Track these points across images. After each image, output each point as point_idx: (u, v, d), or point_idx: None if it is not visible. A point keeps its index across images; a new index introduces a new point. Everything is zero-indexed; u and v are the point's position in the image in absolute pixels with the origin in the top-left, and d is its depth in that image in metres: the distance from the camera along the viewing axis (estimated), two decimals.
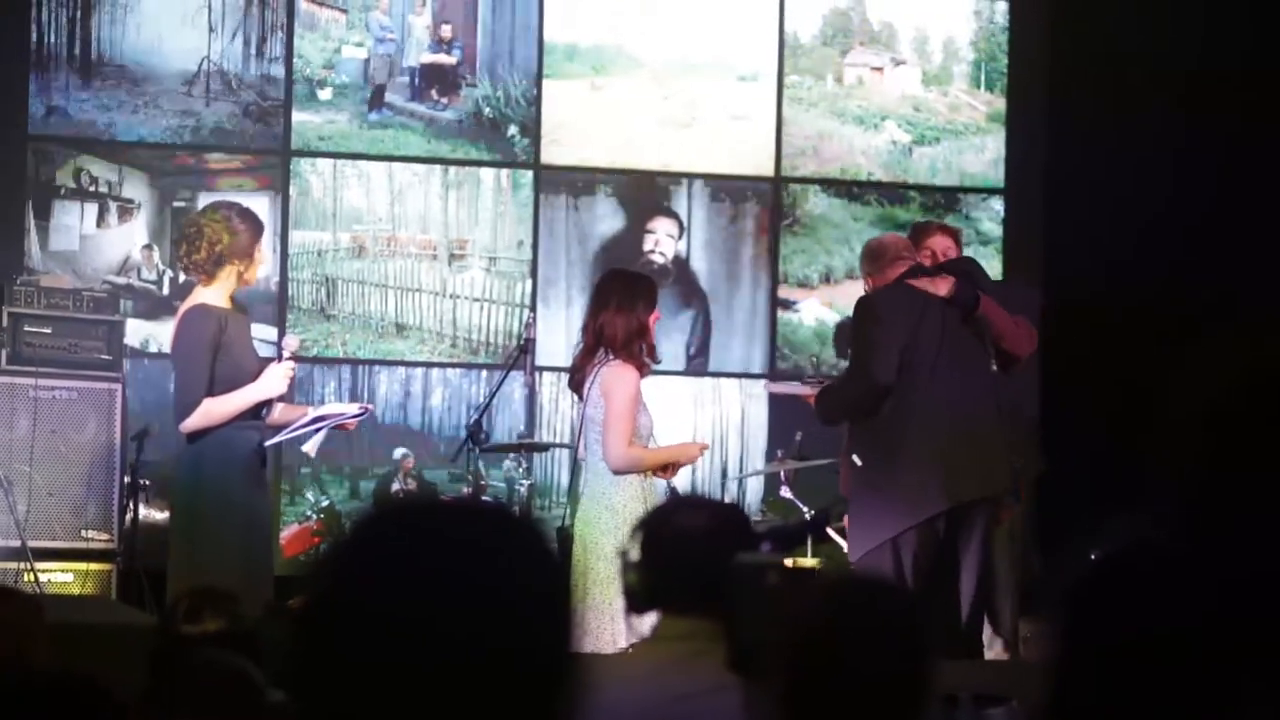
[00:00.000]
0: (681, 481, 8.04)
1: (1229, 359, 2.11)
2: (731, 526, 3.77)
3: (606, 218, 10.01)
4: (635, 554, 3.67)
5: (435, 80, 9.93)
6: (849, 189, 10.30)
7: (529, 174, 9.94)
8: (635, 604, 3.79)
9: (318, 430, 6.87)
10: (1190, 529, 2.04)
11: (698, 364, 10.04)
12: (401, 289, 9.79)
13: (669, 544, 3.71)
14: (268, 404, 6.80)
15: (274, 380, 6.74)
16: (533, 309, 9.55)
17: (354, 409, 7.11)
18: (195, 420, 6.61)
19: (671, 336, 9.65)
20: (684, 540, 3.69)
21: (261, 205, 9.32)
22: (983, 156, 10.40)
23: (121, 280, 9.40)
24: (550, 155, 9.96)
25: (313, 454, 7.08)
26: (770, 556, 3.31)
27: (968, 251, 10.29)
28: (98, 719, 2.64)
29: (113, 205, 9.49)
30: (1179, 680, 1.85)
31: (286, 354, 6.91)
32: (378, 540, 1.67)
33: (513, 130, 9.95)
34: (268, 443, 6.80)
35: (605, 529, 6.77)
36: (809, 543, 8.24)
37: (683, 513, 3.89)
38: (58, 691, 2.65)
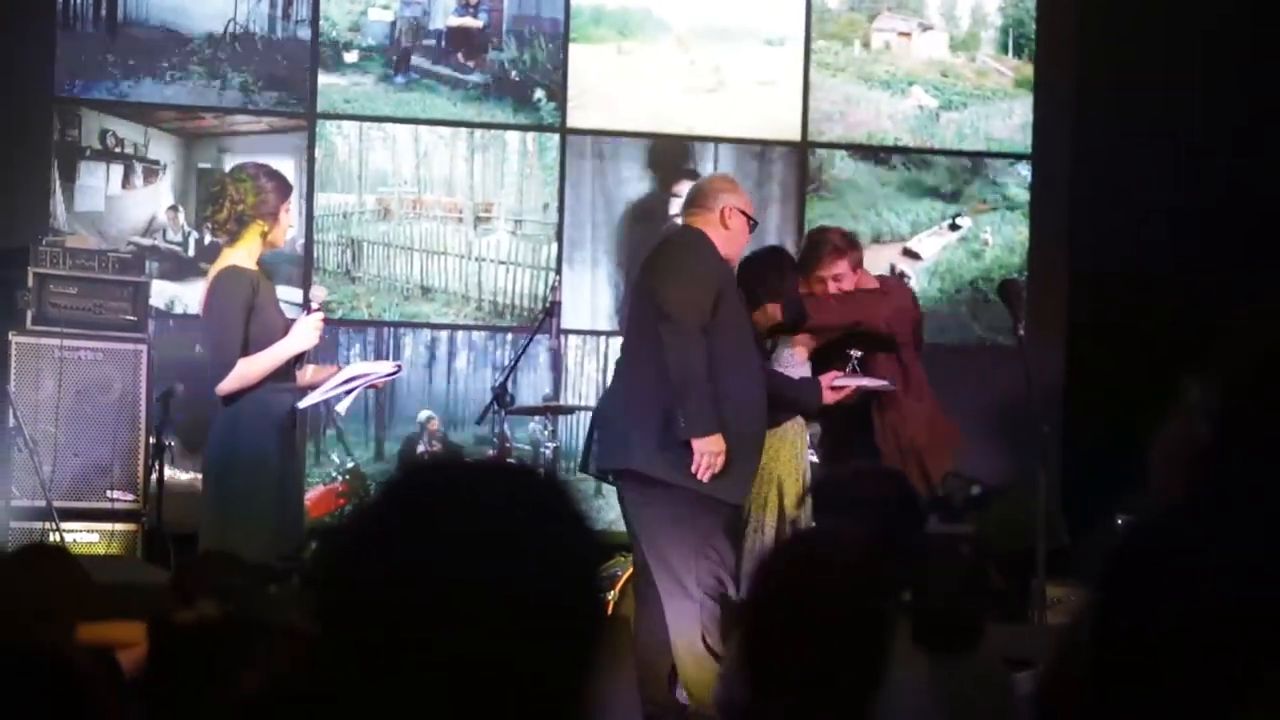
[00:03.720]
0: None
1: (1251, 336, 2.10)
2: (903, 496, 3.77)
3: (632, 181, 9.99)
4: (808, 520, 3.66)
5: (462, 43, 9.90)
6: (875, 154, 10.27)
7: (555, 137, 9.92)
8: None
9: (351, 390, 6.81)
10: (1204, 502, 2.02)
11: None
12: (427, 252, 9.78)
13: (848, 511, 3.69)
14: (299, 361, 6.74)
15: (305, 332, 6.63)
16: (558, 272, 9.55)
17: (387, 367, 7.04)
18: (231, 382, 6.49)
19: None
20: (862, 508, 3.68)
21: (287, 168, 9.29)
22: (1010, 122, 10.36)
23: (147, 241, 9.40)
24: (576, 119, 9.94)
25: (344, 413, 7.07)
26: (960, 528, 3.30)
27: (994, 216, 10.30)
28: (56, 696, 2.60)
29: (138, 166, 9.48)
30: (1215, 647, 1.83)
31: (315, 305, 6.84)
32: (409, 499, 1.66)
33: (539, 94, 9.92)
34: (301, 404, 6.71)
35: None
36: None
37: (856, 481, 3.89)
38: (20, 669, 2.61)
